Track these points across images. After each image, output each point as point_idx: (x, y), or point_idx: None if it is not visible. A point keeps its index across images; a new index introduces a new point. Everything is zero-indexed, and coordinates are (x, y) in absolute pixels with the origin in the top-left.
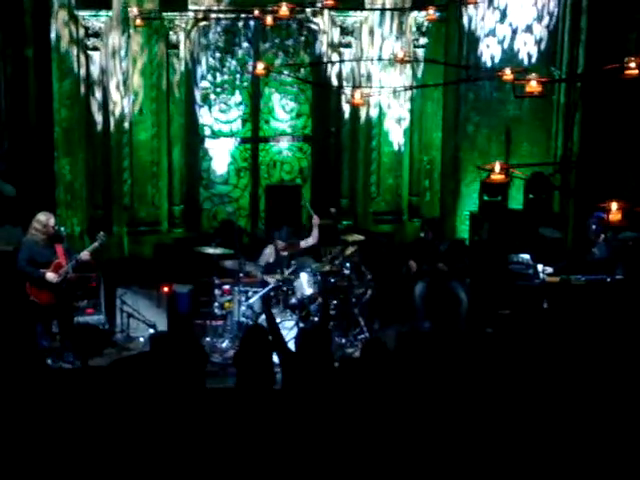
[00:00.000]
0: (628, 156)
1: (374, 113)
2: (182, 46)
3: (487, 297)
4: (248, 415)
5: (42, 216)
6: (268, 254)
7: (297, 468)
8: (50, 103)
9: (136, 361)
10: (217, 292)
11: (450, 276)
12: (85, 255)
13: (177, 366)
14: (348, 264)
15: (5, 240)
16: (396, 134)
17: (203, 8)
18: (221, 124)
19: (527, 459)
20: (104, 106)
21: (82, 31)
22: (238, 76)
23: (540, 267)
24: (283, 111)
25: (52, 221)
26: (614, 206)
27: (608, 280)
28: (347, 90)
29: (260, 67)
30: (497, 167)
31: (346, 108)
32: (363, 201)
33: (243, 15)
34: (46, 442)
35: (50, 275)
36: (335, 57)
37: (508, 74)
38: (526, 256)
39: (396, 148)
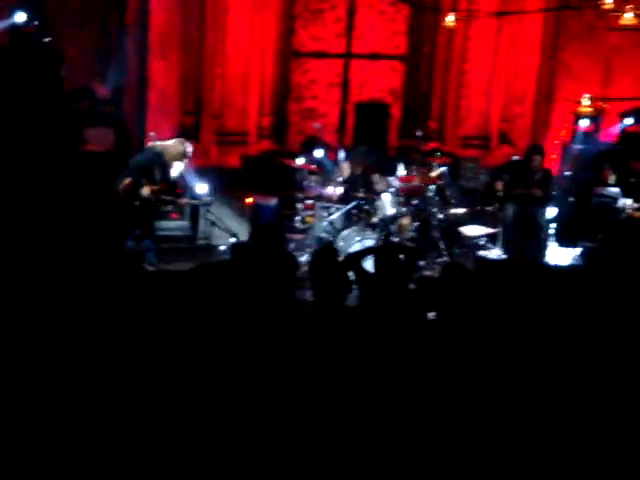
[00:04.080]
0: None
1: (471, 35)
2: None
3: (572, 228)
4: (323, 329)
5: (184, 145)
6: (343, 169)
7: (367, 383)
8: (147, 5)
9: (218, 268)
10: (300, 206)
11: (540, 202)
12: (183, 201)
13: (261, 274)
14: (432, 187)
15: (96, 141)
16: (491, 58)
17: None
18: (316, 40)
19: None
20: (200, 12)
21: None
22: None
23: (628, 202)
24: (378, 29)
25: (186, 153)
26: None
27: None
28: (444, 12)
29: None
30: (585, 100)
31: (442, 29)
32: (452, 123)
33: None
34: (131, 342)
35: (146, 190)
36: None
37: (608, 3)
38: (615, 189)
39: (489, 72)
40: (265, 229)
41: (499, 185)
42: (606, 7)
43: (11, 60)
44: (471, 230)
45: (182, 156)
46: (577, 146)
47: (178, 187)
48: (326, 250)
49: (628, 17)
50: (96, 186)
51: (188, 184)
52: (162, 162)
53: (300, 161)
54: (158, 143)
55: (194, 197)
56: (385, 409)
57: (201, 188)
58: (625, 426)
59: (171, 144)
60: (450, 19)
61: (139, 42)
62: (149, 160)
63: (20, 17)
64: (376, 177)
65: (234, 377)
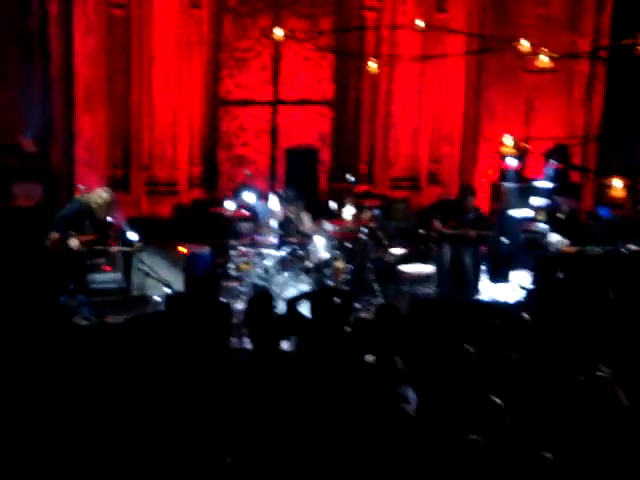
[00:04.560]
0: None
1: (395, 79)
2: (206, 7)
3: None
4: (261, 374)
5: (106, 193)
6: (276, 213)
7: (306, 429)
8: (72, 60)
9: (152, 319)
10: (233, 253)
11: (473, 242)
12: (115, 249)
13: (195, 325)
14: (364, 229)
15: (26, 195)
16: (416, 100)
17: None
18: (243, 88)
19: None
20: (126, 64)
21: None
22: (261, 40)
23: (556, 237)
24: (304, 75)
25: (111, 200)
26: (618, 183)
27: (623, 251)
28: (368, 57)
29: (279, 33)
30: (507, 141)
31: (367, 74)
32: (381, 166)
33: None
34: (64, 398)
35: (74, 242)
36: (358, 22)
37: (524, 45)
38: (543, 226)
39: (416, 114)
40: (199, 279)
41: (438, 224)
42: (522, 49)
43: None
44: (410, 268)
45: (108, 204)
46: (505, 184)
47: (109, 236)
48: (261, 297)
49: (543, 60)
50: (26, 241)
51: (119, 233)
52: (88, 212)
53: (229, 205)
54: (85, 195)
55: (125, 243)
56: (323, 454)
57: (132, 236)
58: None
59: (95, 193)
60: (372, 65)
61: (65, 95)
62: (75, 211)
63: None
64: (306, 217)
65: (170, 426)
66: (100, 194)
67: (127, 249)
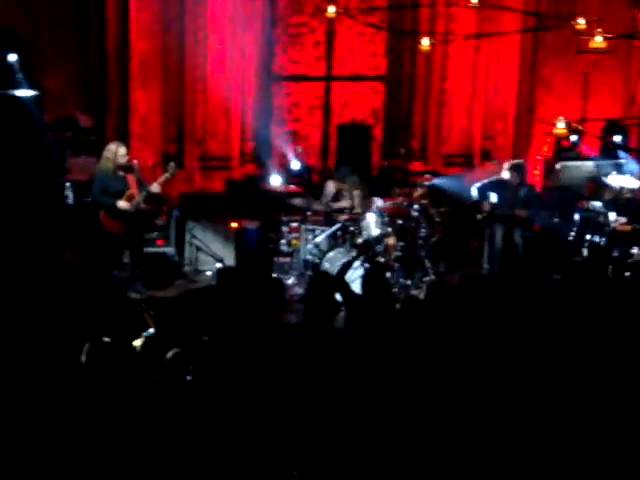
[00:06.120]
0: None
1: (450, 55)
2: None
3: (557, 244)
4: (312, 351)
5: (112, 145)
6: (329, 188)
7: (355, 404)
8: (128, 35)
9: (203, 293)
10: (285, 229)
11: (524, 222)
12: (156, 187)
13: (247, 299)
14: (416, 206)
15: (80, 170)
16: (470, 76)
17: None
18: (296, 63)
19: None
20: (180, 39)
21: None
22: (315, 16)
23: (612, 216)
24: (358, 51)
25: (122, 150)
26: None
27: None
28: (422, 34)
29: (331, 10)
30: (560, 123)
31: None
32: (434, 142)
33: None
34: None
35: (122, 203)
36: None
37: (581, 24)
38: (598, 204)
39: (470, 90)
40: (251, 254)
41: (486, 206)
42: (578, 28)
43: None
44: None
45: (116, 154)
46: (560, 162)
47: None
48: (321, 277)
49: (598, 40)
50: (82, 215)
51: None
52: (110, 174)
53: (275, 180)
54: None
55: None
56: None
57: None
58: None
59: (104, 152)
60: (425, 43)
61: (120, 70)
62: (99, 182)
63: (12, 57)
64: (357, 193)
65: (222, 402)
66: (107, 148)
67: (164, 178)
